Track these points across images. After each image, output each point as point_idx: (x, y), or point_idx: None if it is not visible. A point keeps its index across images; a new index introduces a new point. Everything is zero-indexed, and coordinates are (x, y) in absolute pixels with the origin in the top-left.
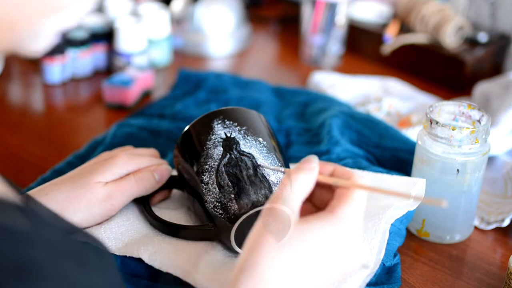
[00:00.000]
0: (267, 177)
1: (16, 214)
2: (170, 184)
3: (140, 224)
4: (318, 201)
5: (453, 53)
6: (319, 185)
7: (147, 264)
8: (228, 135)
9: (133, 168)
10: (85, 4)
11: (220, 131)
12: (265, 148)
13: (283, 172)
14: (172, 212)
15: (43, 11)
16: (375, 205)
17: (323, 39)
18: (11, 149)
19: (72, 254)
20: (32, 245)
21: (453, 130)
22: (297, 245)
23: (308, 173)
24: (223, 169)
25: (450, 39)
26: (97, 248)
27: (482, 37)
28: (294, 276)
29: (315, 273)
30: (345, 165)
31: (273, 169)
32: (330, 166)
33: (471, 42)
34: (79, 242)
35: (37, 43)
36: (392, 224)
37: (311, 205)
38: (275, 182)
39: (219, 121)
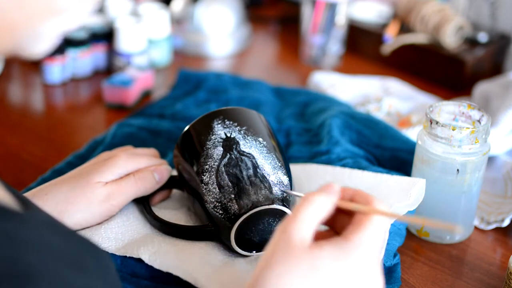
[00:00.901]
0: (267, 177)
1: (16, 220)
2: (170, 184)
3: (140, 224)
4: (340, 228)
5: (453, 53)
6: (341, 212)
7: (147, 264)
8: (228, 135)
9: (133, 168)
10: (85, 7)
11: (220, 131)
12: (265, 148)
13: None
14: (172, 212)
15: (43, 13)
16: None
17: (323, 39)
18: (11, 149)
19: (71, 259)
20: (32, 251)
21: (453, 130)
22: (309, 274)
23: (327, 196)
24: (223, 169)
25: (450, 39)
26: (95, 252)
27: (482, 37)
28: None
29: None
30: (345, 165)
31: (294, 195)
32: (350, 191)
33: (471, 42)
34: (78, 247)
35: (38, 45)
36: (392, 224)
37: (332, 232)
38: (275, 182)
39: (219, 121)
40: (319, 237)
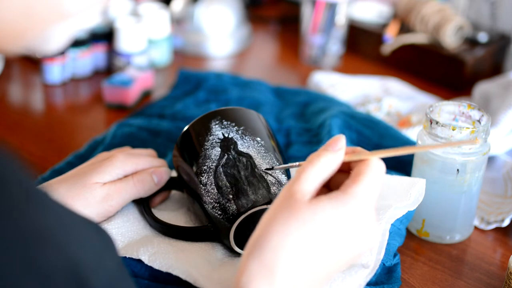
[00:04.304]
0: (265, 177)
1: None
2: (169, 185)
3: (140, 225)
4: (336, 187)
5: (453, 53)
6: (339, 171)
7: (147, 264)
8: (226, 135)
9: (131, 168)
10: (93, 10)
11: (218, 131)
12: (263, 148)
13: (298, 166)
14: (171, 213)
15: (51, 18)
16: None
17: (323, 39)
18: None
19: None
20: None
21: (453, 130)
22: (307, 225)
23: (332, 154)
24: (221, 169)
25: (450, 39)
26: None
27: (482, 37)
28: (304, 256)
29: (325, 253)
30: None
31: (288, 167)
32: (349, 149)
33: (471, 42)
34: (121, 267)
35: (49, 45)
36: (392, 224)
37: (328, 190)
38: (273, 181)
39: (217, 122)
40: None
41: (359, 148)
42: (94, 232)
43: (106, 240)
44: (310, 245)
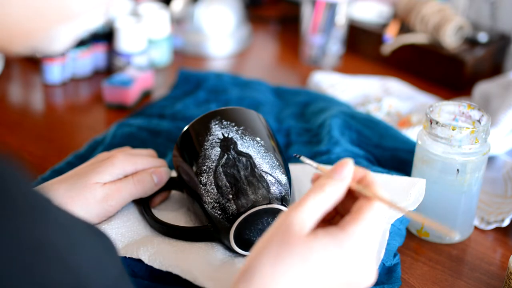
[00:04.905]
0: (265, 177)
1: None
2: (169, 185)
3: (140, 226)
4: (344, 211)
5: (453, 53)
6: (347, 194)
7: (147, 264)
8: (226, 135)
9: (131, 168)
10: (99, 10)
11: (217, 131)
12: (263, 148)
13: (316, 168)
14: (171, 213)
15: (59, 19)
16: None
17: (323, 39)
18: (11, 148)
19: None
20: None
21: (453, 130)
22: (303, 263)
23: (338, 183)
24: (220, 169)
25: (450, 39)
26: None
27: (482, 37)
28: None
29: None
30: None
31: (308, 163)
32: (361, 171)
33: (471, 42)
34: (123, 273)
35: (54, 45)
36: (392, 224)
37: (335, 211)
38: (273, 181)
39: (217, 122)
40: (324, 219)
41: (369, 175)
42: (95, 238)
43: (107, 245)
44: (302, 283)
